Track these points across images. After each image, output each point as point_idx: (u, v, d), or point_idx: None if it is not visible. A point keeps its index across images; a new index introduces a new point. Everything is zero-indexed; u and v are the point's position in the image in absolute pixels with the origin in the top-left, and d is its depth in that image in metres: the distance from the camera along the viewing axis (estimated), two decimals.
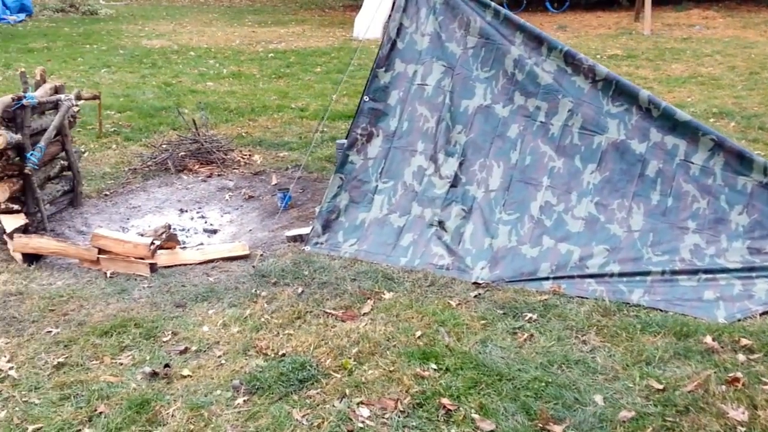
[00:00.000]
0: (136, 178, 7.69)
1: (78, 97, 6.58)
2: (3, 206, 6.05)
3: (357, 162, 5.94)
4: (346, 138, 8.01)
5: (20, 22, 20.68)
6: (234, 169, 7.97)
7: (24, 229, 5.86)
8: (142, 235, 6.21)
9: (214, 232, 6.56)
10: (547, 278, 5.10)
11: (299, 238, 5.93)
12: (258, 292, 5.07)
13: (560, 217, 5.39)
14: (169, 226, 6.40)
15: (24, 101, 5.95)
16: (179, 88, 12.26)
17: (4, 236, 5.88)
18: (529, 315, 4.67)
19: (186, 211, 7.05)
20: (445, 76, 5.90)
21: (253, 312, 4.80)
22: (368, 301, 4.90)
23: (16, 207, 6.15)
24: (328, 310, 4.79)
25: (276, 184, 7.43)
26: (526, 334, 4.45)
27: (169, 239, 5.69)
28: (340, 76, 13.39)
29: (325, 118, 9.37)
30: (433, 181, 5.74)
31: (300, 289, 5.09)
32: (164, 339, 4.53)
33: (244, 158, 8.15)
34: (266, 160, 8.22)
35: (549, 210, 5.43)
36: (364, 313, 4.75)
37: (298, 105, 11.01)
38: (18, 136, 5.97)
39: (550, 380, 3.96)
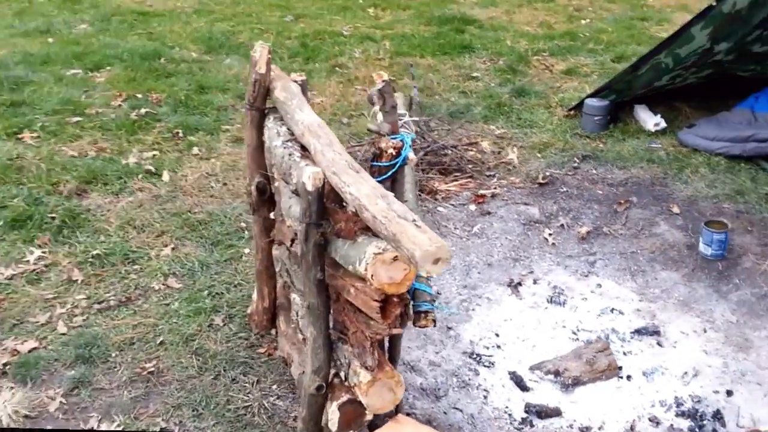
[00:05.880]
0: None
1: None
2: None
3: None
4: None
5: None
6: (492, 175, 4.82)
7: None
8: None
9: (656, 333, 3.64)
10: None
11: None
12: None
13: None
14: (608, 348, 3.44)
15: (404, 156, 2.49)
16: None
17: None
18: None
19: (520, 284, 3.96)
20: None
21: None
22: None
23: None
24: None
25: (626, 206, 4.49)
26: None
27: None
28: None
29: None
30: None
31: None
32: None
33: (493, 154, 5.01)
34: (525, 156, 5.12)
35: None
36: None
37: None
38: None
39: None
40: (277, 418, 3.02)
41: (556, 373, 3.34)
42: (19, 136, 5.16)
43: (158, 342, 3.41)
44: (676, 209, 4.46)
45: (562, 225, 4.38)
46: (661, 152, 5.08)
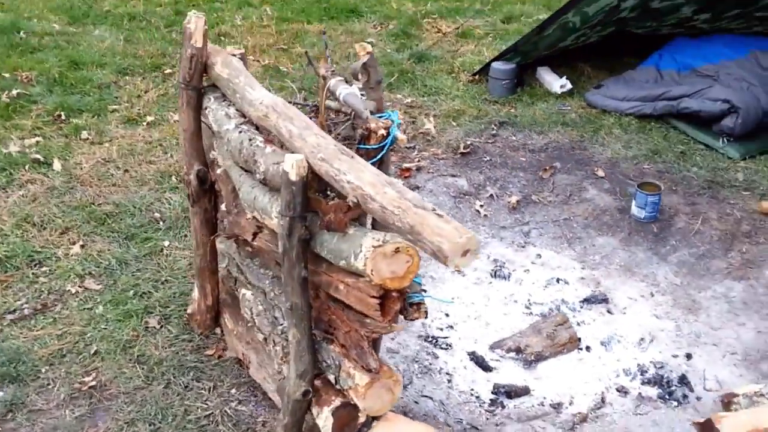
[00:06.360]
0: None
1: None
2: None
3: None
4: None
5: None
6: (412, 147, 4.78)
7: None
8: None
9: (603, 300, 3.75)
10: None
11: None
12: None
13: None
14: (567, 321, 3.52)
15: (393, 136, 2.40)
16: None
17: None
18: None
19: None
20: None
21: None
22: None
23: None
24: None
25: (551, 172, 4.56)
26: None
27: None
28: None
29: None
30: None
31: None
32: None
33: (409, 124, 4.96)
34: (441, 125, 5.09)
35: None
36: None
37: None
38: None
39: None
40: (243, 425, 2.85)
41: (518, 350, 3.34)
42: None
43: (92, 352, 3.14)
44: (600, 173, 4.56)
45: (491, 195, 4.38)
46: (573, 114, 5.18)
